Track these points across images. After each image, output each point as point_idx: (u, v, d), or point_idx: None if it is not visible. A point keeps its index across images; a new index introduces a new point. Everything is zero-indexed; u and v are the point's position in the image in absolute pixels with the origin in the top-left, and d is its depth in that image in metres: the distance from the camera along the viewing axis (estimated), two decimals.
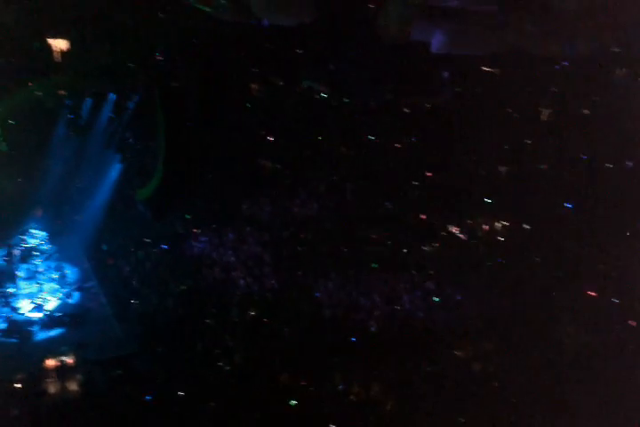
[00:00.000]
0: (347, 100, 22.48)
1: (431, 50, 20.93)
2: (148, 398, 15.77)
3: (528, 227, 20.41)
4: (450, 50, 20.93)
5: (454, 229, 21.61)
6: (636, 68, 20.24)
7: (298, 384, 16.35)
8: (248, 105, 23.13)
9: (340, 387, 16.42)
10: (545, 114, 21.27)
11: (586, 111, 20.66)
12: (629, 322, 17.84)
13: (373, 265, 20.74)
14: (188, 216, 23.75)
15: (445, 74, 22.20)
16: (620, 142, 20.00)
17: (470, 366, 16.95)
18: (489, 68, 20.92)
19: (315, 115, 22.84)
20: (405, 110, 22.15)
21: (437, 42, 20.88)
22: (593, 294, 18.64)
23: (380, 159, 22.48)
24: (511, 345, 17.38)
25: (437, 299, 19.50)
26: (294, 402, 15.61)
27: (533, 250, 20.06)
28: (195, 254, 22.23)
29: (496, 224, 21.36)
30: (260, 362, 17.10)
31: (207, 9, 21.41)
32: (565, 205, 20.43)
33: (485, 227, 21.52)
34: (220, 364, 17.07)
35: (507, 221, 21.21)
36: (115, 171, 24.66)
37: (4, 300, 20.36)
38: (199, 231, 22.87)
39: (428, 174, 22.10)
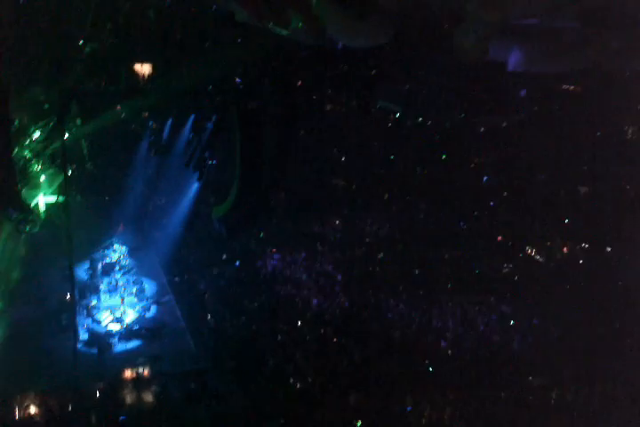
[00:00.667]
0: (421, 120, 22.35)
1: (508, 68, 20.57)
2: (219, 411, 15.99)
3: (609, 249, 19.52)
4: (528, 68, 20.39)
5: (532, 251, 20.94)
6: None
7: (366, 405, 16.12)
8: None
9: (409, 409, 16.07)
10: (629, 132, 20.41)
11: None
12: None
13: (449, 285, 20.34)
14: (262, 235, 24.15)
15: (522, 92, 21.70)
16: None
17: (547, 394, 16.25)
18: (568, 86, 20.31)
19: (389, 134, 22.84)
20: (481, 130, 21.80)
21: (515, 60, 20.43)
22: None
23: (454, 179, 22.18)
24: (592, 374, 16.58)
25: (513, 322, 18.94)
26: (360, 423, 15.40)
27: (615, 273, 19.15)
28: (267, 272, 22.58)
29: (576, 246, 20.56)
30: (328, 381, 17.00)
31: (285, 32, 21.85)
32: None
33: (565, 249, 20.75)
34: (291, 381, 17.10)
35: (587, 244, 20.36)
36: (193, 189, 25.50)
37: (86, 311, 21.21)
38: (273, 249, 23.20)
39: (505, 194, 21.59)
